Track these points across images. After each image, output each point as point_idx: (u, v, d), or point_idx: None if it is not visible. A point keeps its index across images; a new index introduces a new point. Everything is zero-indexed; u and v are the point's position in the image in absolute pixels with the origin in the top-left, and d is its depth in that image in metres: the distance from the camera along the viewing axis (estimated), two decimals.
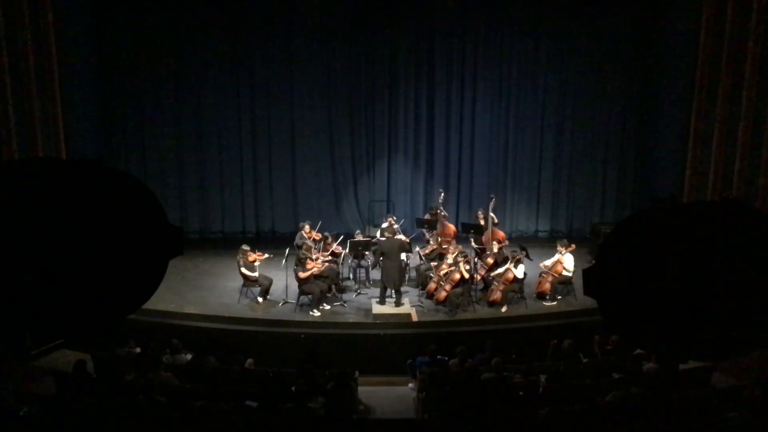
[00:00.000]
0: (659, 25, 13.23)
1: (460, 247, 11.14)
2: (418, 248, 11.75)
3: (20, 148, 9.38)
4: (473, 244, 11.47)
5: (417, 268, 11.47)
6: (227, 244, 13.16)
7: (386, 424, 7.55)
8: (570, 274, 10.66)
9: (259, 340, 9.70)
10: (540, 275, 10.89)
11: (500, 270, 10.62)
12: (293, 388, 7.39)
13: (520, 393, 7.16)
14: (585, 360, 8.48)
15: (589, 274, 1.86)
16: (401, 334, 9.78)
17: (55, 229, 1.63)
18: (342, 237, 11.79)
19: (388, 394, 8.83)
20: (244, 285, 10.68)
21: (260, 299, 10.59)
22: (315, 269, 10.30)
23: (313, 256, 10.54)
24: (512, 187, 14.49)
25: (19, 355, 8.94)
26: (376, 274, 11.32)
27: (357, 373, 8.46)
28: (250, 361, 8.65)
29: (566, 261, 10.67)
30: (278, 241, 13.13)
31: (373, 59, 13.85)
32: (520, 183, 14.49)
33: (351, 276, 11.64)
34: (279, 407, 6.59)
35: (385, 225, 11.74)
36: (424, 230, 12.51)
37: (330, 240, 11.54)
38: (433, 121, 14.18)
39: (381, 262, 10.63)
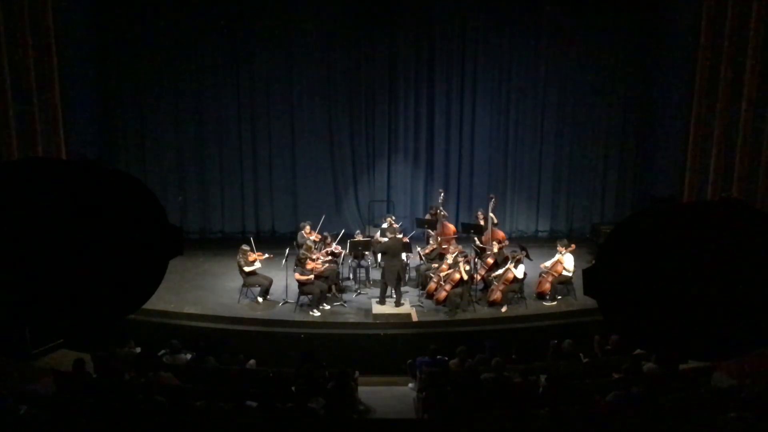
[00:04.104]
0: (659, 25, 13.24)
1: (460, 247, 11.15)
2: (418, 248, 11.75)
3: (20, 148, 9.38)
4: (478, 242, 11.49)
5: (417, 268, 11.47)
6: (227, 244, 13.15)
7: (386, 424, 7.54)
8: (570, 274, 10.66)
9: (259, 340, 9.70)
10: (540, 275, 10.89)
11: (500, 270, 10.63)
12: (293, 388, 7.39)
13: (520, 393, 7.16)
14: (585, 359, 8.48)
15: (589, 274, 1.86)
16: (401, 334, 9.78)
17: (55, 230, 1.63)
18: (342, 237, 11.79)
19: (388, 394, 8.83)
20: (244, 285, 10.68)
21: (260, 299, 10.59)
22: (315, 269, 10.30)
23: (313, 256, 10.54)
24: (512, 187, 14.49)
25: (19, 355, 8.94)
26: (376, 274, 11.32)
27: (357, 373, 8.46)
28: (251, 362, 8.65)
29: (566, 261, 10.66)
30: (278, 241, 13.12)
31: (373, 59, 13.85)
32: (520, 183, 14.50)
33: (351, 276, 11.63)
34: (279, 407, 6.59)
35: (385, 225, 11.74)
36: (425, 229, 12.52)
37: (330, 240, 11.54)
38: (433, 121, 14.18)
39: (382, 262, 10.64)
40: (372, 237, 11.80)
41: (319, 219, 11.71)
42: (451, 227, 12.00)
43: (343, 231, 11.97)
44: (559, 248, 10.83)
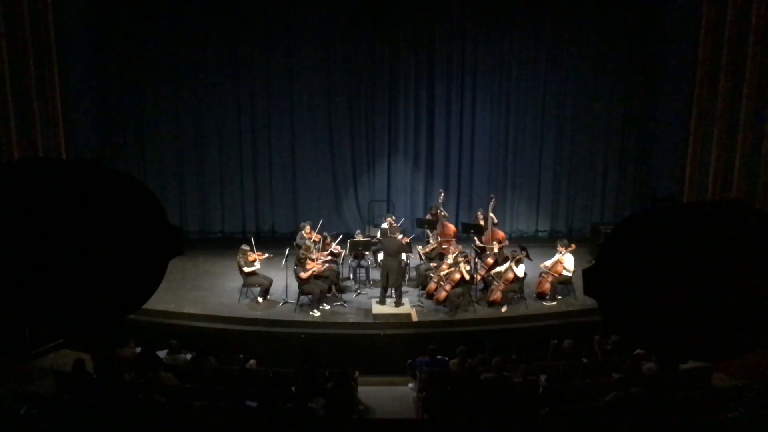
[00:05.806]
0: (659, 25, 13.24)
1: (460, 247, 11.14)
2: (418, 247, 11.76)
3: (20, 148, 9.37)
4: (478, 242, 11.49)
5: (417, 268, 11.47)
6: (227, 244, 13.16)
7: (386, 424, 7.54)
8: (570, 274, 10.66)
9: (259, 340, 9.70)
10: (540, 275, 10.89)
11: (500, 269, 10.63)
12: (293, 388, 7.39)
13: (520, 393, 7.16)
14: (585, 359, 8.48)
15: (589, 274, 1.86)
16: (401, 334, 9.78)
17: (55, 230, 1.63)
18: (342, 237, 11.79)
19: (388, 394, 8.82)
20: (244, 285, 10.68)
21: (260, 299, 10.59)
22: (315, 269, 10.30)
23: (313, 256, 10.54)
24: (512, 187, 14.49)
25: (19, 355, 8.94)
26: (376, 274, 11.32)
27: (357, 373, 8.46)
28: (251, 362, 8.65)
29: (566, 261, 10.66)
30: (278, 241, 13.12)
31: (373, 59, 13.85)
32: (520, 183, 14.50)
33: (351, 276, 11.63)
34: (279, 407, 6.59)
35: (385, 225, 11.74)
36: (425, 229, 12.52)
37: (329, 240, 11.54)
38: (433, 121, 14.18)
39: (380, 261, 10.63)
40: (372, 237, 11.81)
41: (318, 221, 11.71)
42: (452, 227, 12.00)
43: (341, 235, 11.97)
44: (559, 248, 10.83)
